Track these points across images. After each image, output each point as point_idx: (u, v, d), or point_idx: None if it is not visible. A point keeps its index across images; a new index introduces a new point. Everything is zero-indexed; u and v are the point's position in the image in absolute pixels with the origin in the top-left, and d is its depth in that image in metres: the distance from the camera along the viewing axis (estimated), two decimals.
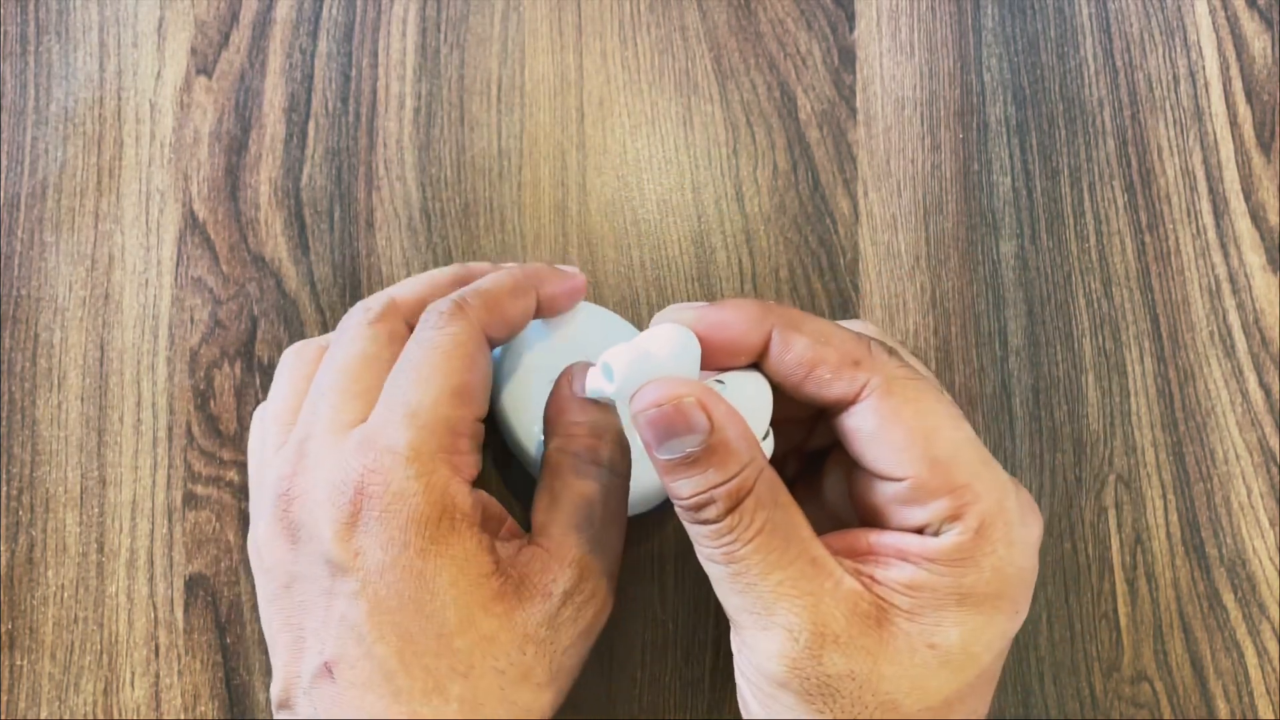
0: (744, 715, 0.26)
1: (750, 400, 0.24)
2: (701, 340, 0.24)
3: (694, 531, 0.24)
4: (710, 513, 0.23)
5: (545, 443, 0.28)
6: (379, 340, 0.27)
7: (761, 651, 0.24)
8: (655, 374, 0.23)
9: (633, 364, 0.23)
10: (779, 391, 0.25)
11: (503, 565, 0.25)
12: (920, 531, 0.24)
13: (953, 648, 0.23)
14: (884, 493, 0.24)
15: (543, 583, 0.25)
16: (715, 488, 0.23)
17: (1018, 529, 0.24)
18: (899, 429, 0.23)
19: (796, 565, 0.23)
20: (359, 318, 0.28)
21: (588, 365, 0.27)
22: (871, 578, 0.24)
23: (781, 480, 0.24)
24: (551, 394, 0.28)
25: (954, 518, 0.23)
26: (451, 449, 0.25)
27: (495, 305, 0.27)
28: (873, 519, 0.25)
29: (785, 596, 0.23)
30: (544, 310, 0.29)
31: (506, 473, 0.34)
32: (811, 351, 0.24)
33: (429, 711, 0.23)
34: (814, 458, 0.30)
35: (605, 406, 0.27)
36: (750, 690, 0.25)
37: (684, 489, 0.23)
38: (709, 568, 0.24)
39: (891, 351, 0.25)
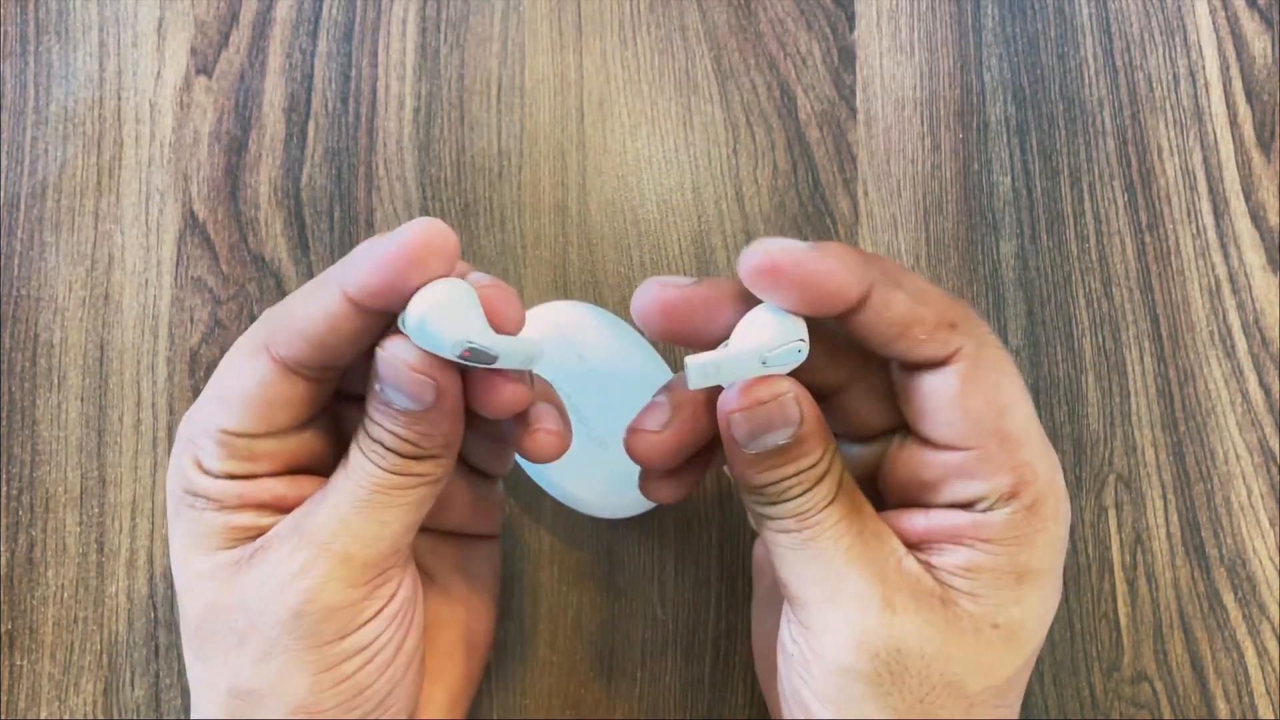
0: (795, 717, 0.25)
1: (785, 324, 0.23)
2: (801, 287, 0.22)
3: (766, 510, 0.24)
4: (793, 492, 0.23)
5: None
6: None
7: (827, 628, 0.23)
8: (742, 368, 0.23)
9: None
10: (850, 345, 0.25)
11: (257, 538, 0.24)
12: (970, 506, 0.23)
13: (1014, 626, 0.23)
14: (940, 462, 0.24)
15: (274, 548, 0.24)
16: (804, 471, 0.23)
17: (1063, 505, 0.24)
18: (978, 398, 0.23)
19: (864, 535, 0.23)
20: None
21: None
22: (927, 563, 0.24)
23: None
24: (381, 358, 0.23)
25: (1012, 495, 0.23)
26: (196, 446, 0.24)
27: (287, 316, 0.23)
28: (916, 491, 0.25)
29: (855, 561, 0.23)
30: (360, 299, 0.22)
31: None
32: (910, 311, 0.23)
33: (190, 663, 0.25)
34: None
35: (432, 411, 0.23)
36: (808, 687, 0.24)
37: (771, 476, 0.23)
38: (778, 540, 0.24)
39: (978, 315, 0.24)
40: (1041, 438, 0.24)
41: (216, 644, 0.24)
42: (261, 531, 0.24)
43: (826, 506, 0.23)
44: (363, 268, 0.22)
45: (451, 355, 0.22)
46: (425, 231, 0.22)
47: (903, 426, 0.25)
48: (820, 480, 0.23)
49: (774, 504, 0.24)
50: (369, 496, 0.23)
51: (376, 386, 0.23)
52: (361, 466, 0.24)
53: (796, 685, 0.24)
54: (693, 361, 0.22)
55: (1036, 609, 0.23)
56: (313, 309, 0.23)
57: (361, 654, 0.24)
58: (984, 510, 0.23)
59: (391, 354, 0.22)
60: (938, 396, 0.23)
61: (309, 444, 0.25)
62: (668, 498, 0.27)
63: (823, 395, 0.27)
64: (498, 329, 0.23)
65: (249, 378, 0.24)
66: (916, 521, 0.24)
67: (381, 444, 0.23)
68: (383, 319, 0.23)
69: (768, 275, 0.22)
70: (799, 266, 0.22)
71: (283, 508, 0.25)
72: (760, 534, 0.25)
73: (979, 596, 0.23)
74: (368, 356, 0.24)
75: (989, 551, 0.23)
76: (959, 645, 0.23)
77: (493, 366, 0.23)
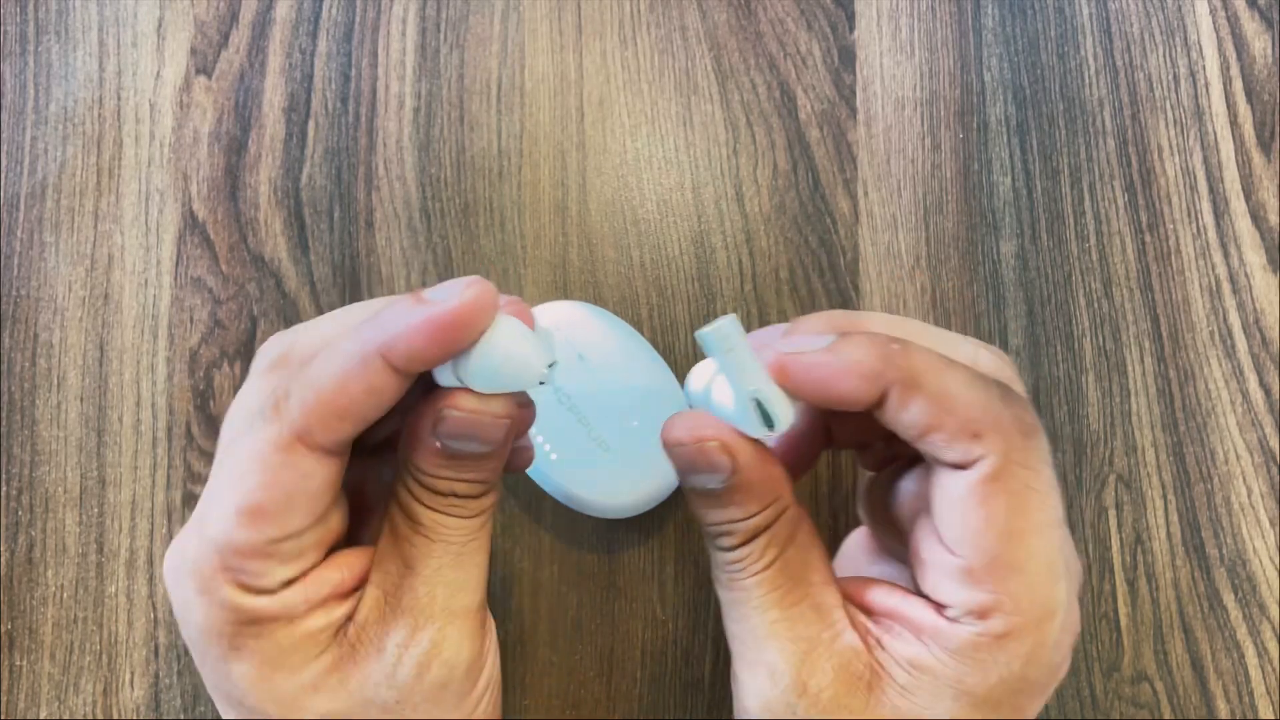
0: None
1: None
2: (809, 389, 0.22)
3: (710, 551, 0.24)
4: (724, 542, 0.23)
5: (398, 473, 0.24)
6: (260, 395, 0.23)
7: (743, 685, 0.24)
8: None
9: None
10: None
11: (340, 633, 0.23)
12: (942, 607, 0.23)
13: None
14: (932, 551, 0.23)
15: (378, 637, 0.23)
16: (733, 522, 0.23)
17: (1046, 651, 0.22)
18: (981, 514, 0.22)
19: (797, 609, 0.23)
20: (256, 364, 0.24)
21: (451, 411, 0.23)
22: (879, 642, 0.23)
23: (809, 521, 0.24)
24: (408, 431, 0.23)
25: (981, 615, 0.22)
26: (237, 569, 0.22)
27: (324, 400, 0.21)
28: (914, 560, 0.24)
29: (777, 637, 0.23)
30: (408, 368, 0.22)
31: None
32: (927, 418, 0.22)
33: None
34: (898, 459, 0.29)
35: (475, 454, 0.23)
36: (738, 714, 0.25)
37: (705, 517, 0.24)
38: (717, 590, 0.25)
39: (1025, 428, 0.22)
40: (1050, 575, 0.22)
41: None
42: (338, 626, 0.23)
43: (759, 573, 0.23)
44: (413, 338, 0.21)
45: (537, 381, 0.22)
46: (477, 295, 0.21)
47: None
48: (752, 539, 0.23)
49: (713, 549, 0.24)
50: (463, 549, 0.23)
51: (437, 444, 0.22)
52: (444, 525, 0.23)
53: (735, 702, 0.25)
54: (726, 322, 0.22)
55: None
56: (354, 388, 0.21)
57: (490, 690, 0.24)
58: (950, 618, 0.23)
59: (470, 409, 0.22)
60: (945, 495, 0.23)
61: (339, 521, 0.24)
62: None
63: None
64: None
65: (287, 478, 0.22)
66: (889, 598, 0.24)
67: (454, 494, 0.23)
68: (417, 377, 0.22)
69: (778, 374, 0.22)
70: (807, 371, 0.22)
71: (343, 593, 0.23)
72: None
73: (911, 693, 0.22)
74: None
75: (938, 658, 0.22)
76: None
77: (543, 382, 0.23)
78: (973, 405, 0.22)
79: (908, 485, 0.27)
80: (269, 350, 0.24)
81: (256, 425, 0.22)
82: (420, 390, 0.23)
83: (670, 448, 0.23)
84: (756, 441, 0.23)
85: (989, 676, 0.22)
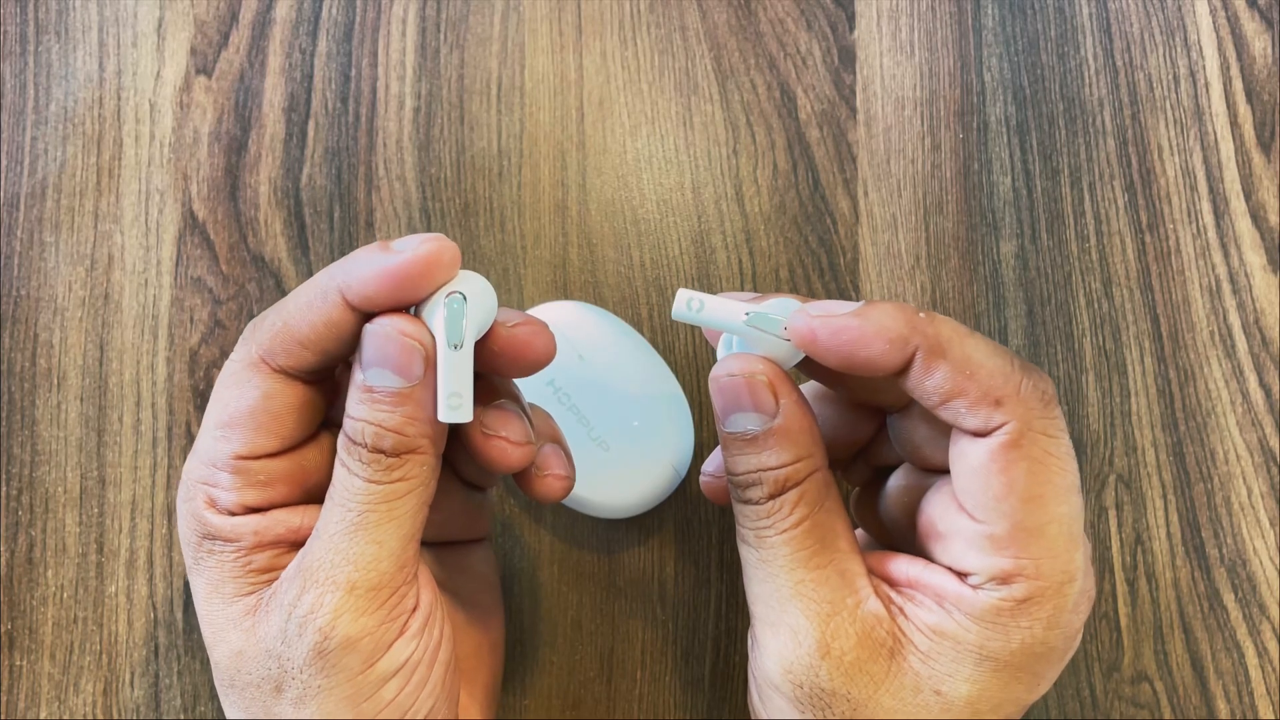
0: (749, 709, 0.26)
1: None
2: (837, 355, 0.23)
3: (737, 509, 0.25)
4: (754, 494, 0.24)
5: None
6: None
7: (765, 648, 0.24)
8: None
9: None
10: (901, 401, 0.25)
11: (274, 580, 0.24)
12: (965, 575, 0.23)
13: (958, 700, 0.23)
14: (953, 521, 0.24)
15: (285, 592, 0.23)
16: (765, 470, 0.23)
17: (1065, 615, 0.23)
18: (1003, 481, 0.22)
19: (823, 572, 0.23)
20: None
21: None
22: (901, 610, 0.23)
23: (837, 489, 0.24)
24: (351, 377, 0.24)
25: (1004, 581, 0.22)
26: (209, 481, 0.24)
27: (288, 326, 0.23)
28: (931, 536, 0.25)
29: (802, 598, 0.23)
30: (363, 307, 0.23)
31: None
32: (951, 384, 0.22)
33: (230, 713, 0.25)
34: (882, 471, 0.29)
35: (397, 393, 0.23)
36: (753, 684, 0.25)
37: (738, 465, 0.24)
38: (741, 550, 0.25)
39: (1045, 397, 0.23)
40: (1068, 541, 0.23)
41: (253, 693, 0.23)
42: (278, 571, 0.24)
43: (787, 531, 0.23)
44: (369, 280, 0.22)
45: (440, 304, 0.22)
46: (435, 249, 0.22)
47: None
48: (783, 491, 0.23)
49: (742, 502, 0.24)
50: (359, 518, 0.23)
51: (360, 375, 0.23)
52: (346, 486, 0.23)
53: (751, 669, 0.25)
54: (683, 290, 0.23)
55: (990, 695, 0.23)
56: (314, 318, 0.23)
57: (398, 676, 0.23)
58: (973, 585, 0.23)
59: (383, 325, 0.22)
60: (967, 462, 0.23)
61: (318, 464, 0.25)
62: None
63: (897, 409, 0.27)
64: (526, 366, 0.24)
65: (250, 394, 0.24)
66: (911, 569, 0.24)
67: (365, 445, 0.23)
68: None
69: (808, 344, 0.23)
70: (835, 335, 0.22)
71: (298, 542, 0.24)
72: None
73: (932, 660, 0.23)
74: None
75: (960, 624, 0.23)
76: (894, 698, 0.23)
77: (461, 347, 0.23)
78: (995, 373, 0.22)
79: (895, 482, 0.28)
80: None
81: (234, 352, 0.24)
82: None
83: (719, 380, 0.23)
84: (799, 396, 0.23)
85: (1011, 641, 0.23)
